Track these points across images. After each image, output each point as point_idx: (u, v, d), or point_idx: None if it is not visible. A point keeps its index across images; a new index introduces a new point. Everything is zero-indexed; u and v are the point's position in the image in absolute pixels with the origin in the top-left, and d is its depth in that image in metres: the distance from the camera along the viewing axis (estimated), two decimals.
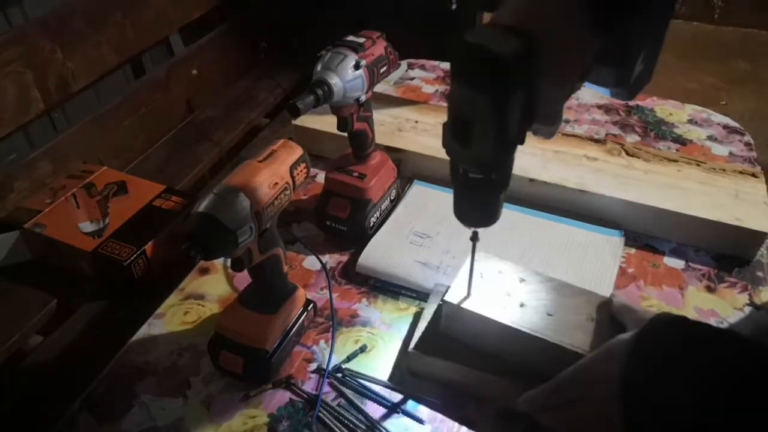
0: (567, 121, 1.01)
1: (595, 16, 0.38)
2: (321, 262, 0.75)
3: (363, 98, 0.71)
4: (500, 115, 0.40)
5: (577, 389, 0.47)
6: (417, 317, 0.66)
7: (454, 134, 0.43)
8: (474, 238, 0.55)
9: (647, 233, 0.79)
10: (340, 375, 0.62)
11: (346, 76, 0.67)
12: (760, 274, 0.75)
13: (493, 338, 0.58)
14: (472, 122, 0.41)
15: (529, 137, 0.44)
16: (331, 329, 0.67)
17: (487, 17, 1.45)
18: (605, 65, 0.43)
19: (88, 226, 0.81)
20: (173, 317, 0.70)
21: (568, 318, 0.57)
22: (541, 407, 0.51)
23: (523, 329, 0.56)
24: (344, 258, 0.77)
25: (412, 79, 1.16)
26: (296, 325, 0.64)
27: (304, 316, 0.66)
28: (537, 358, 0.56)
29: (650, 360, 0.42)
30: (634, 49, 0.43)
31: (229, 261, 0.58)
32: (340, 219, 0.78)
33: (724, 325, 0.67)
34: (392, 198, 0.84)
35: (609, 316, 0.56)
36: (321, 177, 0.81)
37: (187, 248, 0.49)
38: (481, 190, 0.47)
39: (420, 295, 0.71)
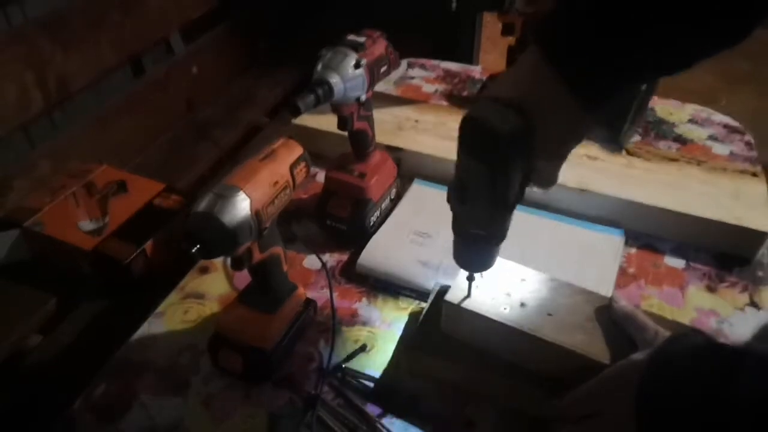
0: None
1: (586, 98, 0.41)
2: (321, 261, 0.75)
3: (363, 97, 0.71)
4: (497, 183, 0.44)
5: (593, 406, 0.49)
6: (417, 317, 0.66)
7: (456, 195, 0.47)
8: (470, 278, 0.58)
9: (648, 233, 0.79)
10: (339, 374, 0.62)
11: (347, 75, 0.67)
12: (760, 273, 0.74)
13: (494, 338, 0.58)
14: (471, 187, 0.45)
15: None
16: (330, 328, 0.67)
17: (487, 17, 1.46)
18: (598, 125, 0.46)
19: (87, 225, 0.81)
20: (173, 316, 0.70)
21: (568, 318, 0.57)
22: (557, 419, 0.52)
23: (524, 329, 0.56)
24: (344, 257, 0.77)
25: (412, 78, 1.16)
26: (296, 325, 0.64)
27: (303, 315, 0.66)
28: (537, 358, 0.56)
29: (664, 388, 0.42)
30: (623, 114, 0.46)
31: (229, 260, 0.58)
32: (341, 218, 0.78)
33: (725, 326, 0.68)
34: (392, 197, 0.84)
35: (610, 317, 0.56)
36: (321, 176, 0.81)
37: (186, 247, 0.49)
38: (481, 243, 0.51)
39: (420, 294, 0.71)
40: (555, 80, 0.41)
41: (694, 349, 0.43)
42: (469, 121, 0.43)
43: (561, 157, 0.45)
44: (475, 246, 0.52)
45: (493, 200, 0.46)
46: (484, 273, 0.61)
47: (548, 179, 0.46)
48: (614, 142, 0.48)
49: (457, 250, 0.54)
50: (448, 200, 0.49)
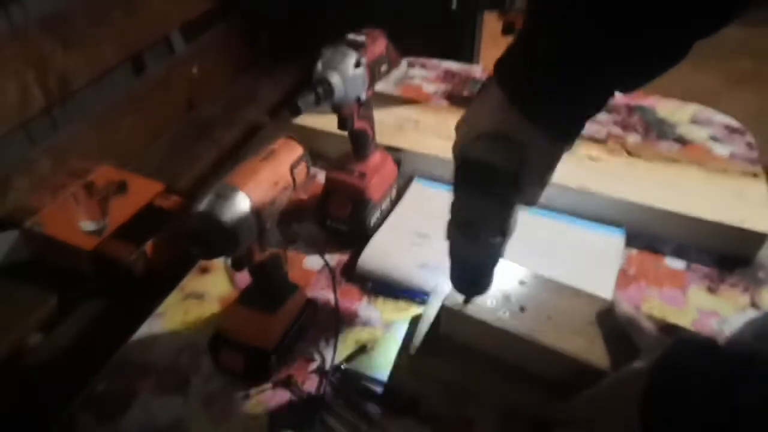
0: None
1: (556, 133, 0.43)
2: (326, 261, 0.75)
3: (363, 97, 0.71)
4: (505, 215, 0.47)
5: (594, 412, 0.49)
6: (418, 318, 0.66)
7: (460, 229, 0.49)
8: (466, 301, 0.58)
9: (648, 233, 0.79)
10: (340, 375, 0.62)
11: (347, 74, 0.66)
12: (761, 274, 0.74)
13: (493, 342, 0.58)
14: (477, 222, 0.47)
15: None
16: (334, 329, 0.67)
17: (488, 16, 1.45)
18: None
19: (87, 225, 0.81)
20: (173, 316, 0.70)
21: (568, 322, 0.56)
22: (560, 422, 0.52)
23: (523, 334, 0.55)
24: (345, 257, 0.77)
25: (412, 77, 1.16)
26: (296, 325, 0.64)
27: (304, 315, 0.66)
28: (538, 362, 0.56)
29: (670, 395, 0.42)
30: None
31: (229, 260, 0.58)
32: (341, 218, 0.77)
33: (726, 326, 0.67)
34: (393, 197, 0.84)
35: (611, 320, 0.56)
36: (321, 176, 0.80)
37: (187, 247, 0.49)
38: (478, 269, 0.53)
39: (420, 295, 0.71)
40: (523, 120, 0.42)
41: (698, 355, 0.43)
42: (473, 163, 0.45)
43: (543, 184, 0.47)
44: (472, 273, 0.53)
45: (499, 231, 0.47)
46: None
47: (532, 199, 0.48)
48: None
49: (454, 275, 0.55)
50: (448, 237, 0.51)
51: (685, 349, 0.44)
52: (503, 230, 0.48)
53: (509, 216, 0.47)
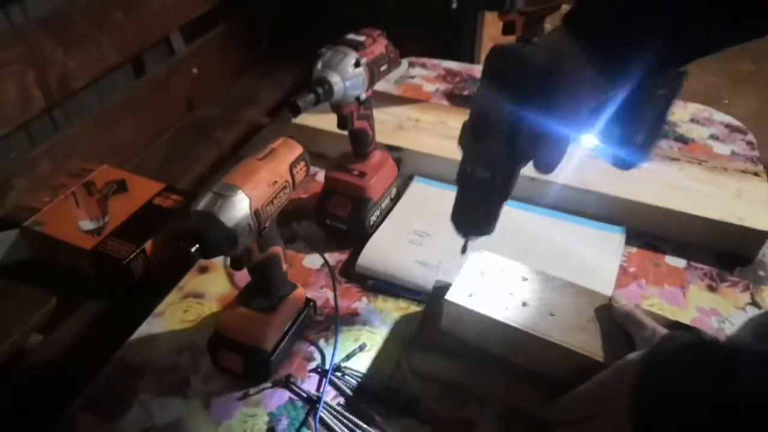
0: None
1: (601, 59, 0.42)
2: (326, 260, 0.75)
3: (363, 96, 0.71)
4: (515, 115, 0.43)
5: (590, 408, 0.49)
6: (417, 316, 0.66)
7: (471, 131, 0.46)
8: (464, 250, 0.56)
9: (649, 232, 0.79)
10: (339, 374, 0.62)
11: (347, 74, 0.66)
12: (762, 273, 0.74)
13: (495, 337, 0.58)
14: (488, 119, 0.45)
15: None
16: (334, 328, 0.67)
17: (488, 16, 1.45)
18: (614, 122, 0.47)
19: (87, 225, 0.81)
20: (173, 316, 0.70)
21: (570, 318, 0.56)
22: (556, 422, 0.52)
23: (526, 329, 0.55)
24: (344, 257, 0.77)
25: (412, 77, 1.16)
26: (296, 324, 0.64)
27: (303, 314, 0.65)
28: (540, 358, 0.56)
29: (659, 388, 0.43)
30: (637, 114, 0.46)
31: (228, 259, 0.57)
32: (341, 217, 0.77)
33: (726, 326, 0.67)
34: (392, 196, 0.84)
35: (611, 316, 0.56)
36: (321, 175, 0.80)
37: (186, 246, 0.49)
38: (483, 192, 0.49)
39: (420, 294, 0.71)
40: (576, 44, 0.42)
41: (687, 349, 0.43)
42: (499, 49, 0.44)
43: (573, 117, 0.45)
44: (477, 197, 0.50)
45: (506, 137, 0.45)
46: (485, 272, 0.61)
47: (549, 163, 0.46)
48: (627, 146, 0.48)
49: (457, 204, 0.52)
50: (460, 142, 0.48)
51: (675, 341, 0.45)
52: (511, 139, 0.45)
53: (521, 121, 0.44)
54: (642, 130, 0.48)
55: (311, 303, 0.67)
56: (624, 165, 0.50)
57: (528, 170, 0.48)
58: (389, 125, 0.93)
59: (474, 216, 0.51)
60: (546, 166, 0.47)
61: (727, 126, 1.01)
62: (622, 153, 0.50)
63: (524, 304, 0.58)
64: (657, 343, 0.46)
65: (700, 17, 0.40)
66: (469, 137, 0.47)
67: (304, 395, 0.60)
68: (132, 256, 0.76)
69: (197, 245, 0.49)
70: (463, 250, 0.56)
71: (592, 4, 0.43)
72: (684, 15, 0.39)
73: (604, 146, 0.50)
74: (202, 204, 0.51)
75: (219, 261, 0.77)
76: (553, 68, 0.42)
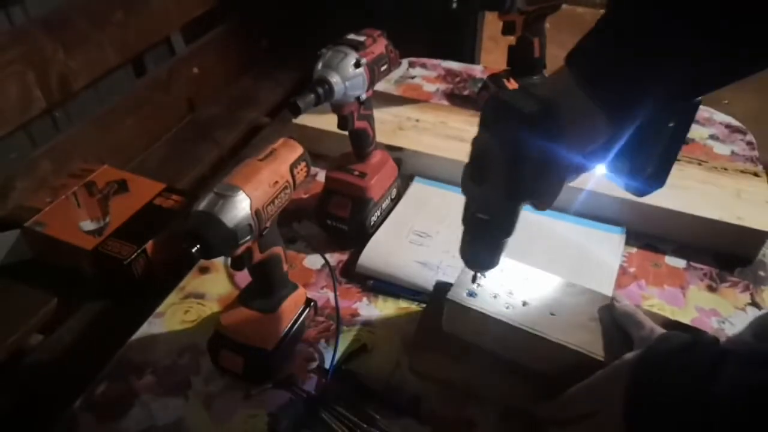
0: None
1: (596, 91, 0.41)
2: (326, 260, 0.75)
3: (363, 97, 0.71)
4: (512, 163, 0.45)
5: (588, 406, 0.49)
6: (417, 316, 0.66)
7: (471, 175, 0.47)
8: (474, 280, 0.58)
9: (649, 233, 0.79)
10: (340, 374, 0.62)
11: (347, 74, 0.67)
12: (762, 273, 0.74)
13: (496, 337, 0.58)
14: (487, 165, 0.46)
15: None
16: (335, 328, 0.67)
17: (488, 16, 1.45)
18: (622, 155, 0.48)
19: (88, 225, 0.81)
20: (173, 316, 0.70)
21: (571, 317, 0.57)
22: (553, 420, 0.52)
23: (527, 328, 0.55)
24: (345, 257, 0.77)
25: (413, 77, 1.16)
26: (296, 324, 0.64)
27: (304, 315, 0.66)
28: (540, 357, 0.56)
29: (651, 387, 0.43)
30: (646, 146, 0.46)
31: (229, 260, 0.58)
32: (341, 218, 0.77)
33: (726, 326, 0.67)
34: (393, 197, 0.84)
35: (611, 316, 0.56)
36: (321, 176, 0.81)
37: (187, 247, 0.49)
38: (486, 233, 0.51)
39: (420, 295, 0.71)
40: (579, 87, 0.41)
41: (681, 349, 0.44)
42: (494, 98, 0.45)
43: (578, 149, 0.45)
44: (481, 238, 0.52)
45: (506, 182, 0.46)
46: (486, 274, 0.61)
47: (546, 202, 0.48)
48: (638, 175, 0.49)
49: (464, 243, 0.53)
50: (463, 185, 0.49)
51: (669, 340, 0.45)
52: (511, 183, 0.46)
53: (519, 166, 0.45)
54: (651, 163, 0.49)
55: (312, 303, 0.67)
56: (637, 192, 0.51)
57: None
58: (389, 125, 0.93)
59: (480, 253, 0.53)
60: (543, 204, 0.48)
61: (727, 126, 1.01)
62: (634, 182, 0.51)
63: (525, 304, 0.58)
64: (652, 343, 0.46)
65: (718, 52, 0.38)
66: (468, 181, 0.48)
67: (305, 395, 0.60)
68: (133, 256, 0.76)
69: (198, 245, 0.49)
70: (473, 279, 0.58)
71: (595, 44, 0.41)
72: (703, 47, 0.37)
73: (614, 176, 0.51)
74: (203, 204, 0.51)
75: (220, 261, 0.77)
76: (547, 116, 0.42)
